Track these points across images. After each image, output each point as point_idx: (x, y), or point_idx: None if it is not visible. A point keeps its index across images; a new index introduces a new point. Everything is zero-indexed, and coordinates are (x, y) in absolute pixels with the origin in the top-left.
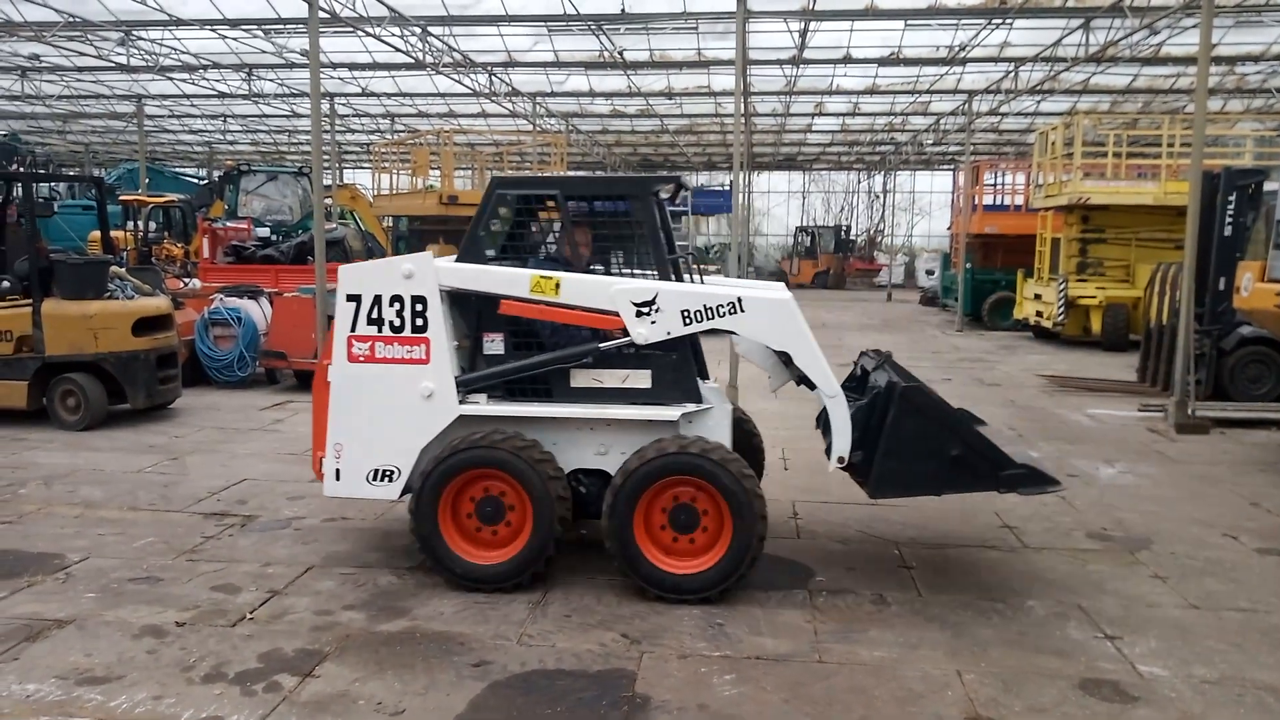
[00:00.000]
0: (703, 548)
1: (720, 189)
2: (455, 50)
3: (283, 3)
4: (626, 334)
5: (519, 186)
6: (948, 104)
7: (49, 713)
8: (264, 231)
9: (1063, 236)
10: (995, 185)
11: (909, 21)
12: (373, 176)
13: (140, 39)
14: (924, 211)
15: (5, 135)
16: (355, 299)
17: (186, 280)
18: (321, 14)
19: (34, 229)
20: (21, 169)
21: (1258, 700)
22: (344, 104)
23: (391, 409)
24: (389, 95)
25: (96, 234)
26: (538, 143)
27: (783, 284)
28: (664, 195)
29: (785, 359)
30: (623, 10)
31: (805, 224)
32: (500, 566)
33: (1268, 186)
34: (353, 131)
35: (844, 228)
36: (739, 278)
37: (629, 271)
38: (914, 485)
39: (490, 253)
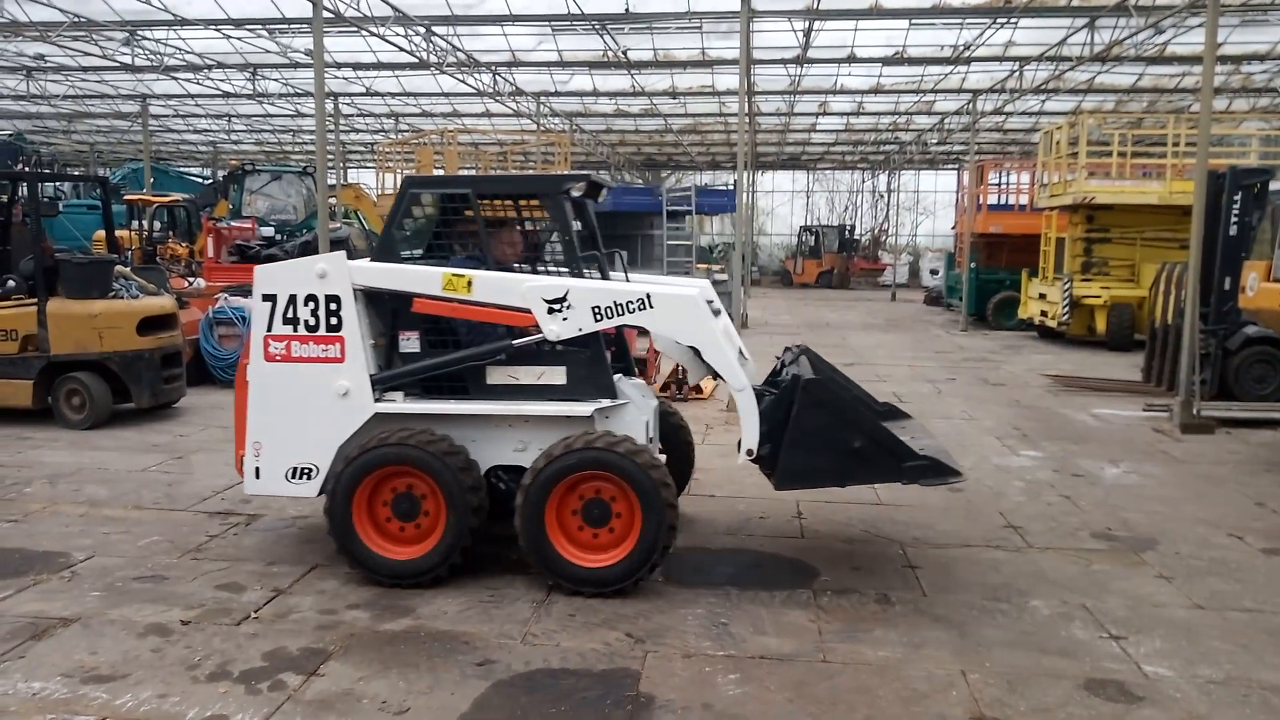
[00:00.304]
0: (615, 541)
1: (724, 188)
2: (459, 50)
3: (287, 3)
4: (540, 330)
5: (432, 186)
6: (952, 103)
7: (54, 710)
8: (268, 231)
9: (1067, 236)
10: (1000, 185)
11: (913, 21)
12: (377, 176)
13: (145, 39)
14: (928, 211)
15: (10, 135)
16: (271, 299)
17: (191, 280)
18: (326, 14)
19: (39, 228)
20: (27, 169)
21: (1263, 700)
22: (348, 103)
23: (308, 407)
24: (393, 95)
25: (101, 233)
26: (541, 142)
27: (707, 281)
28: (576, 193)
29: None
30: (627, 10)
31: (809, 223)
32: (416, 562)
33: (1273, 186)
34: (357, 131)
35: (848, 227)
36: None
37: (558, 270)
38: (818, 477)
39: (418, 252)
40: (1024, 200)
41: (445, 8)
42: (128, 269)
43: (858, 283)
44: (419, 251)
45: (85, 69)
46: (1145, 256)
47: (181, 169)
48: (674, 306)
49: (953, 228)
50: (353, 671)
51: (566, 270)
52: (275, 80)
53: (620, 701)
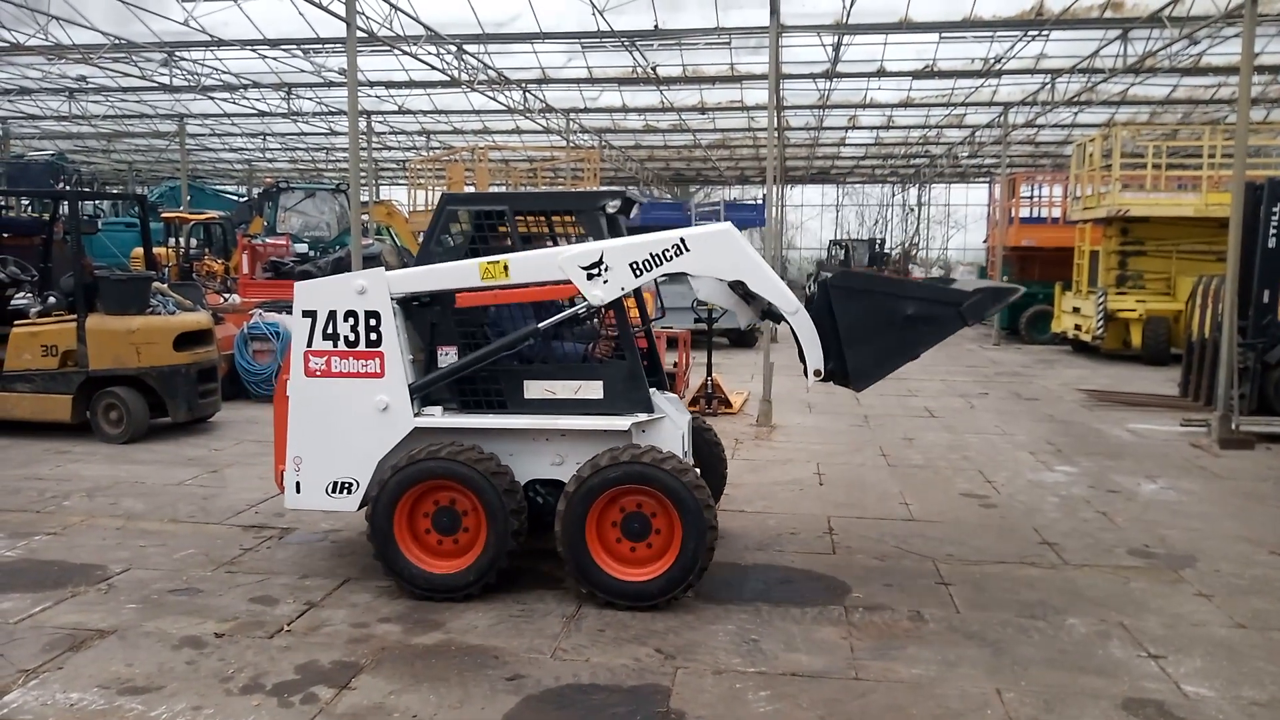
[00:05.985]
0: (654, 555)
1: (753, 203)
2: (490, 68)
3: (321, 23)
4: (584, 299)
5: (469, 203)
6: (983, 116)
7: None
8: (302, 247)
9: (1101, 249)
10: (1032, 198)
11: (943, 34)
12: (408, 193)
13: (183, 60)
14: (959, 224)
15: (52, 155)
16: (311, 315)
17: (226, 296)
18: (359, 34)
19: (79, 246)
20: (67, 187)
21: None
22: (381, 121)
23: (348, 422)
24: (425, 113)
25: (139, 250)
26: (571, 158)
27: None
28: (611, 209)
29: (743, 291)
30: (656, 26)
31: (839, 237)
32: (456, 576)
33: None
34: (389, 148)
35: (878, 241)
36: None
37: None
38: (889, 361)
39: None
40: (1057, 213)
41: (476, 26)
42: (165, 285)
43: None
44: None
45: (125, 89)
46: (1181, 269)
47: (217, 187)
48: (710, 243)
49: (984, 241)
50: (384, 685)
51: None
52: (309, 99)
53: (650, 718)
